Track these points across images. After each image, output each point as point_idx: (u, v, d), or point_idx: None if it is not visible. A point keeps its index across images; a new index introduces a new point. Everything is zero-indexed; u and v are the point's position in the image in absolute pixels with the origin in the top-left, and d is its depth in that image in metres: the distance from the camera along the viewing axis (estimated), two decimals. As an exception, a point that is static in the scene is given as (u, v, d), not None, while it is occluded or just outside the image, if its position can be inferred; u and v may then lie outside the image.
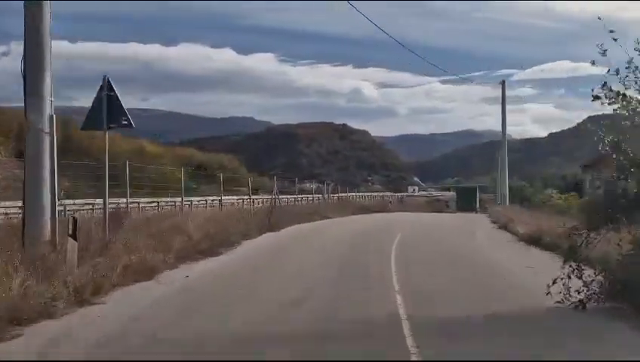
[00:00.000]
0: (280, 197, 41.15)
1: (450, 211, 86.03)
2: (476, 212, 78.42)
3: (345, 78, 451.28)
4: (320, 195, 50.99)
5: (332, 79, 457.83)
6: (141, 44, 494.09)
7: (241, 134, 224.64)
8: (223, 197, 38.58)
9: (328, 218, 31.50)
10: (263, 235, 21.12)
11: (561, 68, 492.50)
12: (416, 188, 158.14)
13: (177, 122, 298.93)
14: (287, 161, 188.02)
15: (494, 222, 31.71)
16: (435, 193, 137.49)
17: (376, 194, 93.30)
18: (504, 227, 27.10)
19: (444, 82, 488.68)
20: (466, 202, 79.17)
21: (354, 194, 76.47)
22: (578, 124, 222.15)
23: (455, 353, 6.65)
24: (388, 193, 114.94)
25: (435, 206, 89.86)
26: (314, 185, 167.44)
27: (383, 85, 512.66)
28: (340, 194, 61.81)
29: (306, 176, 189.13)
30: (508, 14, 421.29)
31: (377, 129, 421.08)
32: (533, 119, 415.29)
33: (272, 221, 23.01)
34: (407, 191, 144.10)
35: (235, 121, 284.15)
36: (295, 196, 48.90)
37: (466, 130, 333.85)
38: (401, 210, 52.36)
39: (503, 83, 49.19)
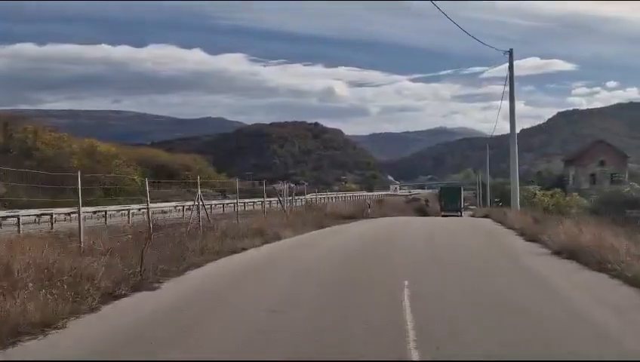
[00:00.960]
0: (219, 203, 29.10)
1: (431, 212, 75.33)
2: (461, 213, 67.74)
3: (316, 78, 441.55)
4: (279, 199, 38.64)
5: (303, 79, 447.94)
6: (111, 46, 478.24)
7: (213, 135, 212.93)
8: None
9: (279, 239, 19.44)
10: (107, 308, 8.92)
11: (530, 65, 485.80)
12: (398, 186, 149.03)
13: (150, 124, 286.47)
14: (259, 161, 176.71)
15: (531, 240, 19.74)
16: (414, 191, 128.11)
17: (350, 194, 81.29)
18: (568, 255, 15.19)
19: (414, 80, 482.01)
20: (450, 202, 68.86)
21: (326, 195, 64.07)
22: (548, 120, 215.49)
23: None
24: (364, 192, 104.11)
25: (416, 206, 78.86)
26: (285, 186, 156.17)
27: (354, 84, 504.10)
28: (309, 196, 49.81)
29: (280, 176, 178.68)
30: (477, 12, 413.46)
31: (350, 128, 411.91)
32: (504, 116, 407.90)
33: (146, 263, 10.81)
34: (389, 189, 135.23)
35: (208, 121, 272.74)
36: (240, 202, 36.79)
37: (437, 127, 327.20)
38: (382, 215, 40.47)
39: (510, 53, 36.67)
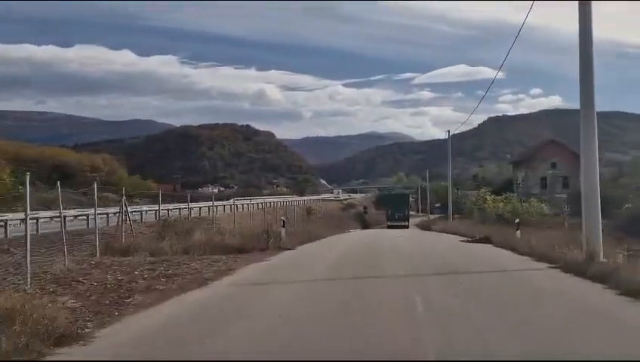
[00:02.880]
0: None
1: (371, 221, 61.67)
2: (408, 224, 54.98)
3: (248, 81, 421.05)
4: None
5: (235, 82, 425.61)
6: (35, 46, 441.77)
7: (140, 137, 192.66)
8: None
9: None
10: None
11: (458, 72, 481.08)
12: (340, 190, 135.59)
13: (76, 125, 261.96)
14: (187, 163, 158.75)
15: None
16: (353, 195, 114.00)
17: (276, 200, 64.79)
18: None
19: (346, 85, 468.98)
20: (397, 211, 56.05)
21: (232, 203, 47.00)
22: (479, 125, 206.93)
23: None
24: (295, 197, 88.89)
25: (353, 214, 64.40)
26: (216, 190, 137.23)
27: (286, 88, 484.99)
28: (209, 204, 33.35)
29: (208, 179, 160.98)
30: (407, 18, 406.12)
31: (283, 131, 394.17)
32: (434, 121, 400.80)
33: None
34: (332, 193, 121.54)
35: (136, 123, 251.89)
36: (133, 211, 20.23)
37: (369, 132, 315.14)
38: (308, 237, 23.84)
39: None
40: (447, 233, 32.68)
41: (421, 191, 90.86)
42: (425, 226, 48.24)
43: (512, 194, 65.06)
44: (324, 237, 26.03)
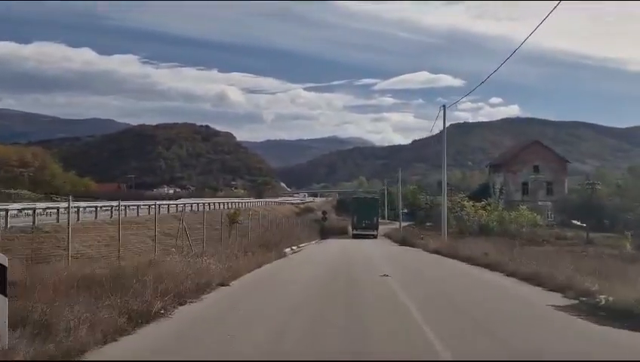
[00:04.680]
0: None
1: (331, 228, 49.58)
2: (377, 234, 43.36)
3: (210, 82, 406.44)
4: None
5: (197, 83, 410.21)
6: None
7: (97, 136, 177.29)
8: None
9: None
10: None
11: (420, 79, 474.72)
12: (306, 194, 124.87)
13: (33, 123, 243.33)
14: (143, 163, 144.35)
15: None
16: (307, 199, 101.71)
17: (216, 201, 51.53)
18: None
19: (308, 89, 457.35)
20: (365, 218, 44.03)
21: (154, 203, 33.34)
22: (441, 132, 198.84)
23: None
24: (252, 199, 76.42)
25: (310, 220, 52.03)
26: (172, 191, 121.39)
27: (248, 90, 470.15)
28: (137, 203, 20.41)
29: (165, 180, 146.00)
30: (369, 24, 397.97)
31: (244, 134, 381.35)
32: (394, 127, 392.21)
33: None
34: (297, 196, 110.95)
35: (96, 123, 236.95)
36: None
37: (330, 136, 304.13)
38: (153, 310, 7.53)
39: None
40: (452, 258, 20.21)
41: (385, 195, 79.39)
42: (402, 240, 35.78)
43: (490, 200, 54.18)
44: (238, 277, 12.85)
